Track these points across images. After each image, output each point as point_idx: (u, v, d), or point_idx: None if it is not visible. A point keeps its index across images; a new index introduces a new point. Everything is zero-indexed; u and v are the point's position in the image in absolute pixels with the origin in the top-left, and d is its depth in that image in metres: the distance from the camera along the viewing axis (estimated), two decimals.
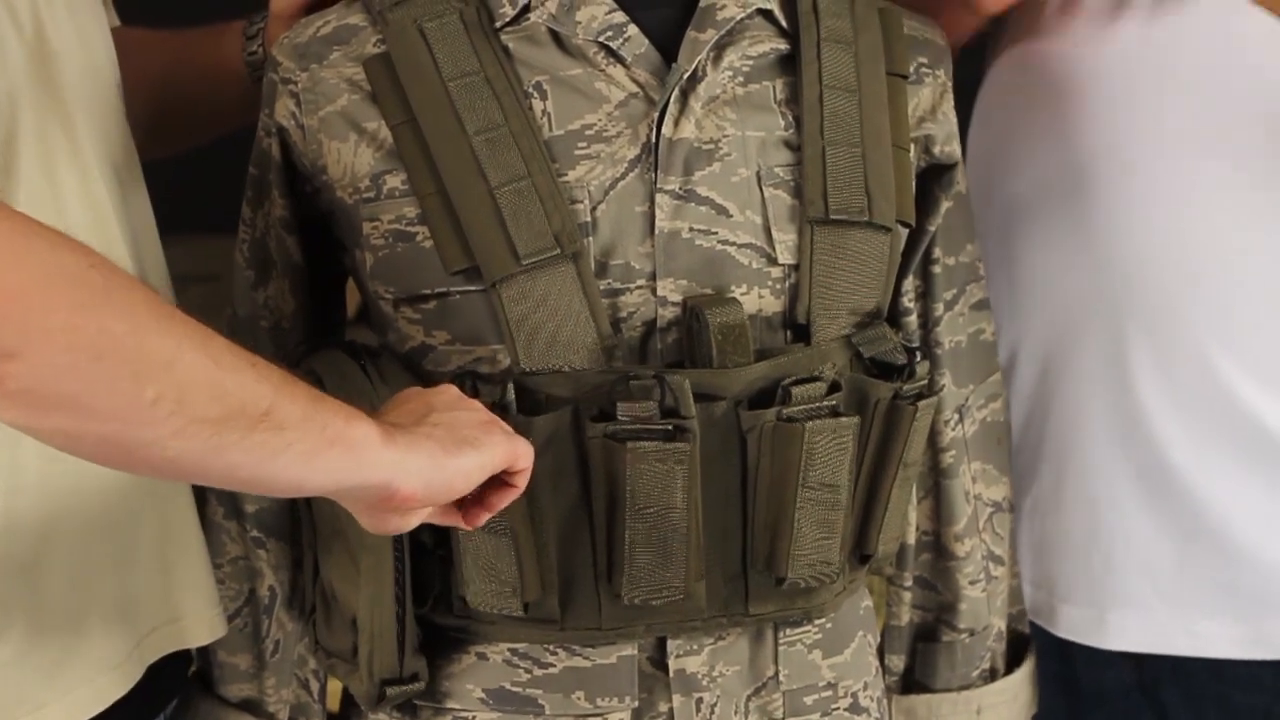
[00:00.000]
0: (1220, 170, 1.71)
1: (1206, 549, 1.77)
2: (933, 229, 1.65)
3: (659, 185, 1.51)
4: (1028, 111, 1.81)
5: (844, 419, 1.51)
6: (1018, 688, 1.76)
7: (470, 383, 1.49)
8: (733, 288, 1.52)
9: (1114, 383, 1.77)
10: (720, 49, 1.54)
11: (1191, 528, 1.77)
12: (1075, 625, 1.82)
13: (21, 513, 1.50)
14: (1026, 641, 1.80)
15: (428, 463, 1.34)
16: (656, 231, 1.51)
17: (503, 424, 1.40)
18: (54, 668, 1.52)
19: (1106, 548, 1.80)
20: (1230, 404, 1.73)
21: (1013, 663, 1.77)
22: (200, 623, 1.64)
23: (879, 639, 1.70)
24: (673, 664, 1.55)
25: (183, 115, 1.82)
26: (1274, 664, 1.78)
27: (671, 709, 1.55)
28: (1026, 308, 1.84)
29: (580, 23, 1.53)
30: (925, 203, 1.64)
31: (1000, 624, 1.75)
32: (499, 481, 1.40)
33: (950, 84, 1.63)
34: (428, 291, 1.52)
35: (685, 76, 1.52)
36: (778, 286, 1.53)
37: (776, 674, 1.58)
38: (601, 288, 1.50)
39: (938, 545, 1.72)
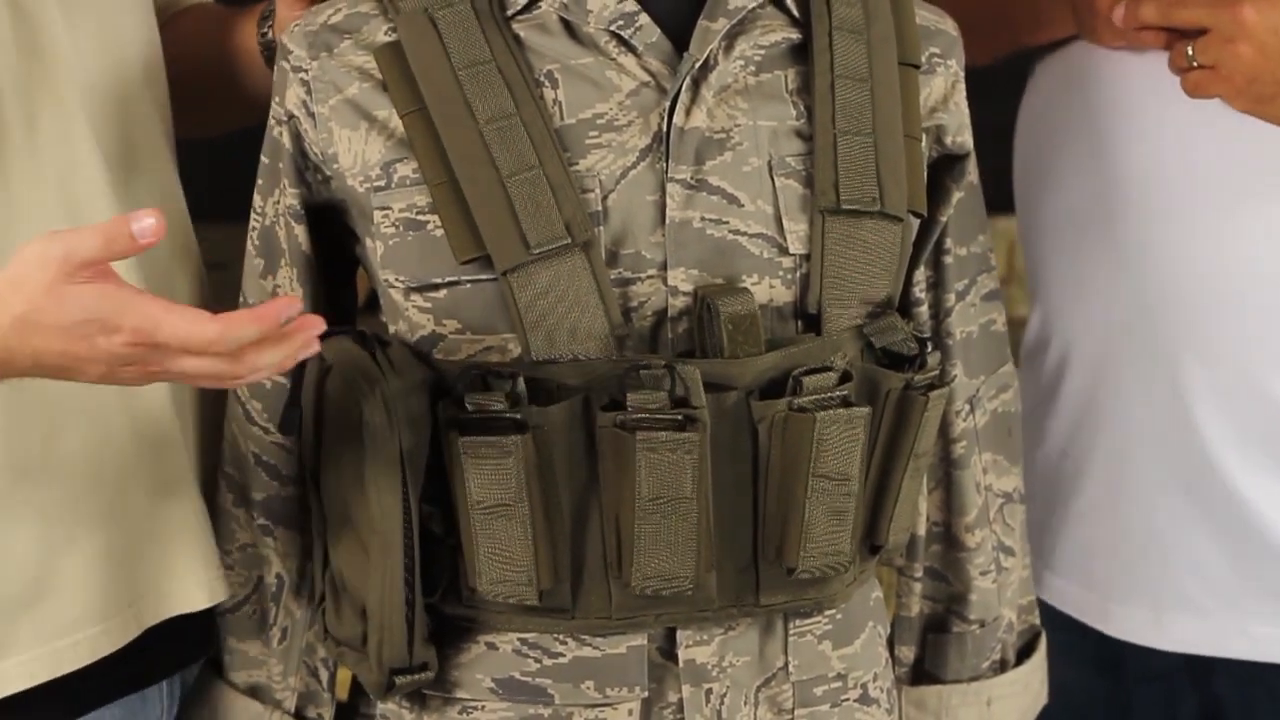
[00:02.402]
0: (1270, 189, 1.70)
1: (1262, 562, 1.78)
2: (944, 219, 1.65)
3: (670, 174, 1.51)
4: (1080, 120, 1.81)
5: (855, 409, 1.51)
6: (1028, 678, 1.76)
7: (480, 376, 1.49)
8: (744, 277, 1.51)
9: (1166, 399, 1.77)
10: (732, 38, 1.54)
11: (1246, 542, 1.77)
12: (1129, 626, 1.83)
13: None
14: (1037, 633, 1.80)
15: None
16: (667, 221, 1.51)
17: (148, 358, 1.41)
18: (21, 621, 1.55)
19: (1162, 554, 1.81)
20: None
21: (1023, 654, 1.77)
22: (198, 586, 1.65)
23: (889, 630, 1.70)
24: (682, 654, 1.55)
25: (218, 89, 1.84)
26: None
27: (681, 699, 1.55)
28: (1079, 312, 1.84)
29: (592, 11, 1.52)
30: (937, 193, 1.64)
31: (1011, 615, 1.75)
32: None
33: (962, 74, 1.63)
34: (438, 280, 1.52)
35: (697, 65, 1.52)
36: (789, 276, 1.52)
37: (786, 665, 1.58)
38: (612, 277, 1.50)
39: (948, 536, 1.72)
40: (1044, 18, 1.81)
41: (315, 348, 1.41)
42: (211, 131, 1.89)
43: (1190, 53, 1.66)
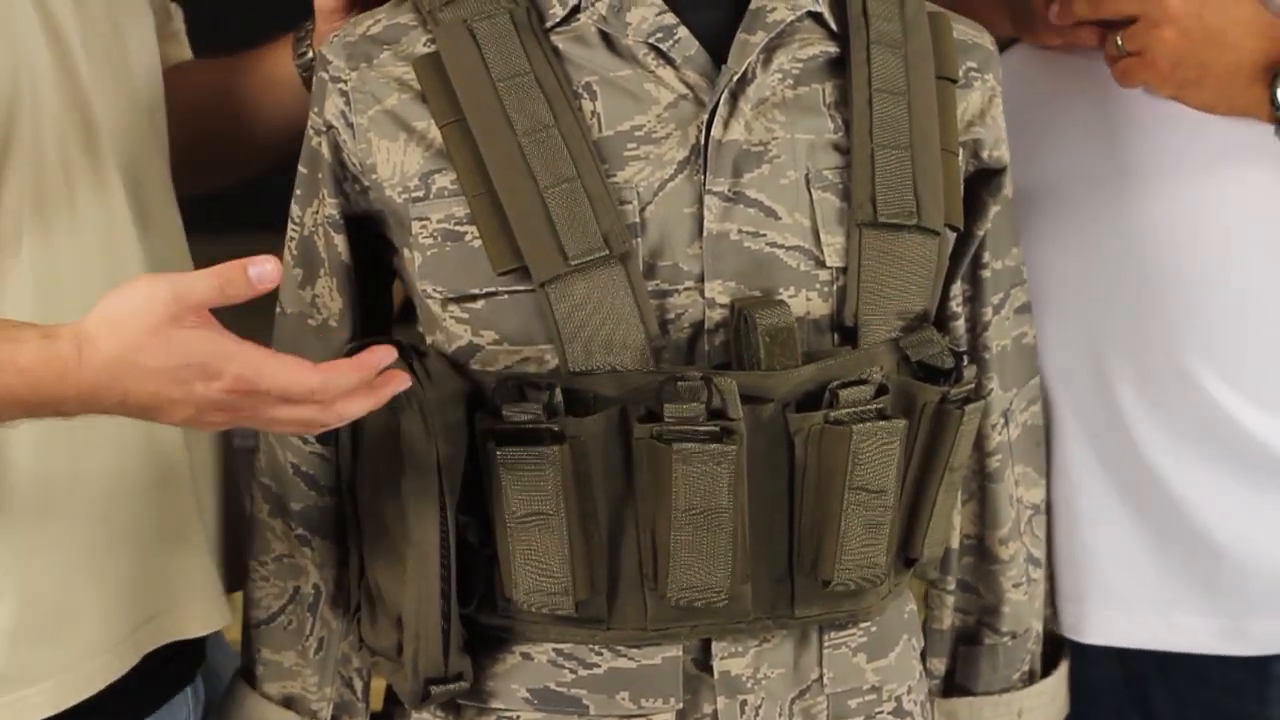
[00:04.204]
0: (1222, 177, 1.72)
1: (1185, 549, 1.78)
2: (981, 233, 1.65)
3: (708, 187, 1.51)
4: (1048, 107, 1.82)
5: (891, 422, 1.51)
6: (1055, 689, 1.77)
7: (517, 387, 1.49)
8: (781, 290, 1.52)
9: (1091, 385, 1.78)
10: (770, 51, 1.54)
11: (1170, 528, 1.78)
12: (1060, 620, 1.83)
13: (12, 493, 1.54)
14: (1061, 643, 1.80)
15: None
16: (705, 233, 1.51)
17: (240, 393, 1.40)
18: (42, 648, 1.56)
19: (1087, 544, 1.81)
20: (1207, 407, 1.74)
21: (1048, 664, 1.78)
22: (197, 614, 1.66)
23: (923, 643, 1.70)
24: (717, 666, 1.55)
25: (238, 137, 1.84)
26: (1255, 666, 1.79)
27: (716, 711, 1.55)
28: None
29: (630, 24, 1.53)
30: (973, 207, 1.64)
31: (1038, 626, 1.75)
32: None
33: (999, 88, 1.63)
34: (476, 291, 1.52)
35: (735, 78, 1.52)
36: (825, 289, 1.53)
37: (821, 677, 1.58)
38: (650, 289, 1.50)
39: (981, 548, 1.72)
40: (982, 20, 1.83)
41: (402, 388, 1.44)
42: (224, 183, 1.89)
43: (1120, 42, 1.70)
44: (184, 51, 1.87)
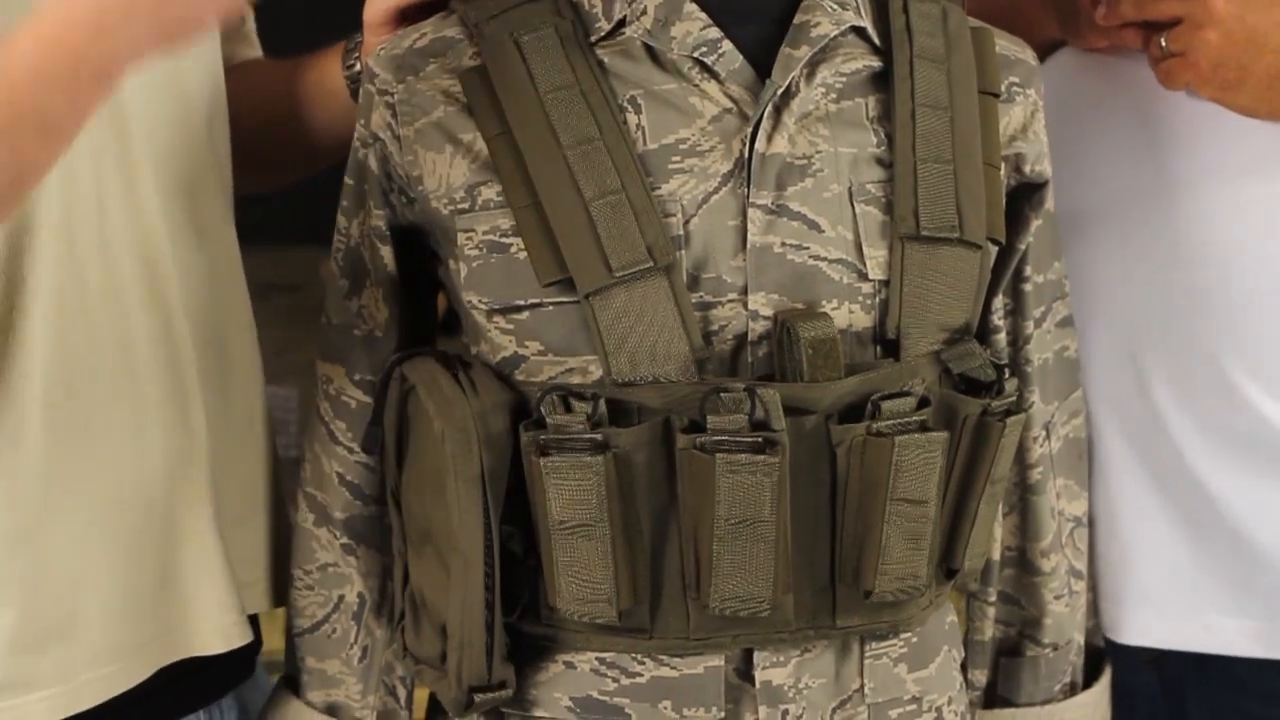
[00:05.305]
0: (1263, 184, 1.73)
1: (1222, 550, 1.78)
2: (1023, 247, 1.66)
3: (751, 200, 1.52)
4: (1097, 118, 1.83)
5: (933, 434, 1.52)
6: (1097, 701, 1.77)
7: (562, 397, 1.50)
8: (824, 302, 1.53)
9: (1133, 387, 1.79)
10: (814, 65, 1.55)
11: (1207, 530, 1.78)
12: (1099, 622, 1.84)
13: (20, 503, 1.55)
14: (1102, 655, 1.81)
15: None
16: (748, 246, 1.52)
17: None
18: (43, 656, 1.57)
19: (1125, 545, 1.82)
20: (1247, 412, 1.75)
21: (1089, 676, 1.78)
22: (213, 631, 1.66)
23: (964, 654, 1.70)
24: (759, 675, 1.56)
25: (291, 139, 1.84)
26: None
27: None
28: None
29: (675, 38, 1.54)
30: (1015, 221, 1.65)
31: (1080, 638, 1.76)
32: None
33: (1041, 103, 1.64)
34: (521, 302, 1.53)
35: (779, 92, 1.53)
36: (868, 302, 1.54)
37: (862, 687, 1.58)
38: (693, 300, 1.51)
39: (1023, 560, 1.73)
40: (1027, 22, 1.83)
41: None
42: (276, 186, 1.90)
43: (1164, 43, 1.71)
44: (254, 51, 1.89)
